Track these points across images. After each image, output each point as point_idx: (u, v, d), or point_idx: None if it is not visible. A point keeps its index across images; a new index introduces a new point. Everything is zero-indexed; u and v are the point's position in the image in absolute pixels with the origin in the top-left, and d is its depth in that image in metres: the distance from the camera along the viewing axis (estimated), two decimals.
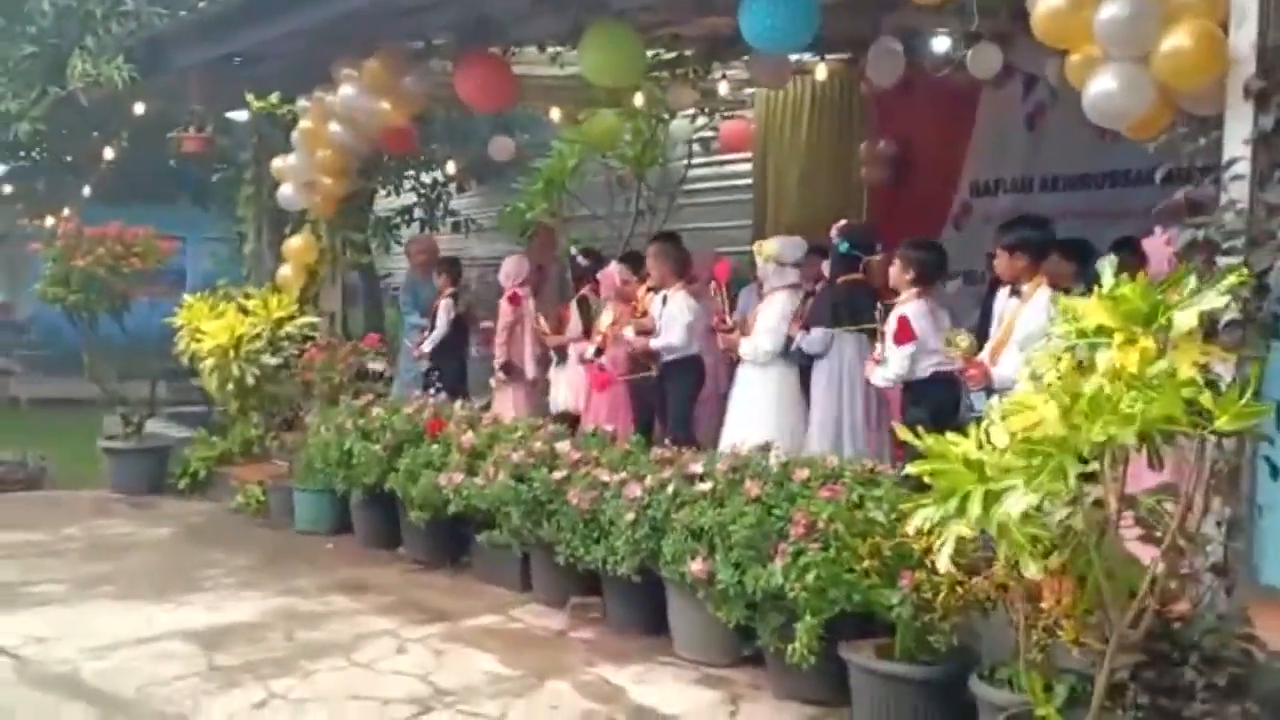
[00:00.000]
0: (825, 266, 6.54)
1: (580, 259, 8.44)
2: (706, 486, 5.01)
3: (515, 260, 8.93)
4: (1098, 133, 4.87)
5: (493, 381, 8.71)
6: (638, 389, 7.42)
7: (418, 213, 12.79)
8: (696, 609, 4.97)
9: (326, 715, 4.55)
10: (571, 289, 8.71)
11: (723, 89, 8.86)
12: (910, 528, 3.44)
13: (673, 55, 8.18)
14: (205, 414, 9.72)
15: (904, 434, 3.44)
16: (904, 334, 5.61)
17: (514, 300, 8.51)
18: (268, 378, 8.12)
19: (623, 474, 5.45)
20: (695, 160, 10.39)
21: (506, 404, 8.36)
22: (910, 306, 5.72)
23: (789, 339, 6.46)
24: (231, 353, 8.06)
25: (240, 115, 9.28)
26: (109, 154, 10.98)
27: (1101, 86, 4.00)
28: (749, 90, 9.48)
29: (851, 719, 4.40)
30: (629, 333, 7.23)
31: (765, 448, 5.22)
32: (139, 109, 9.55)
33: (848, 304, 6.20)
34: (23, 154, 11.87)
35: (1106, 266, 3.38)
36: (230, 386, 8.14)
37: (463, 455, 6.37)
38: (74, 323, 9.34)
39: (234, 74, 8.70)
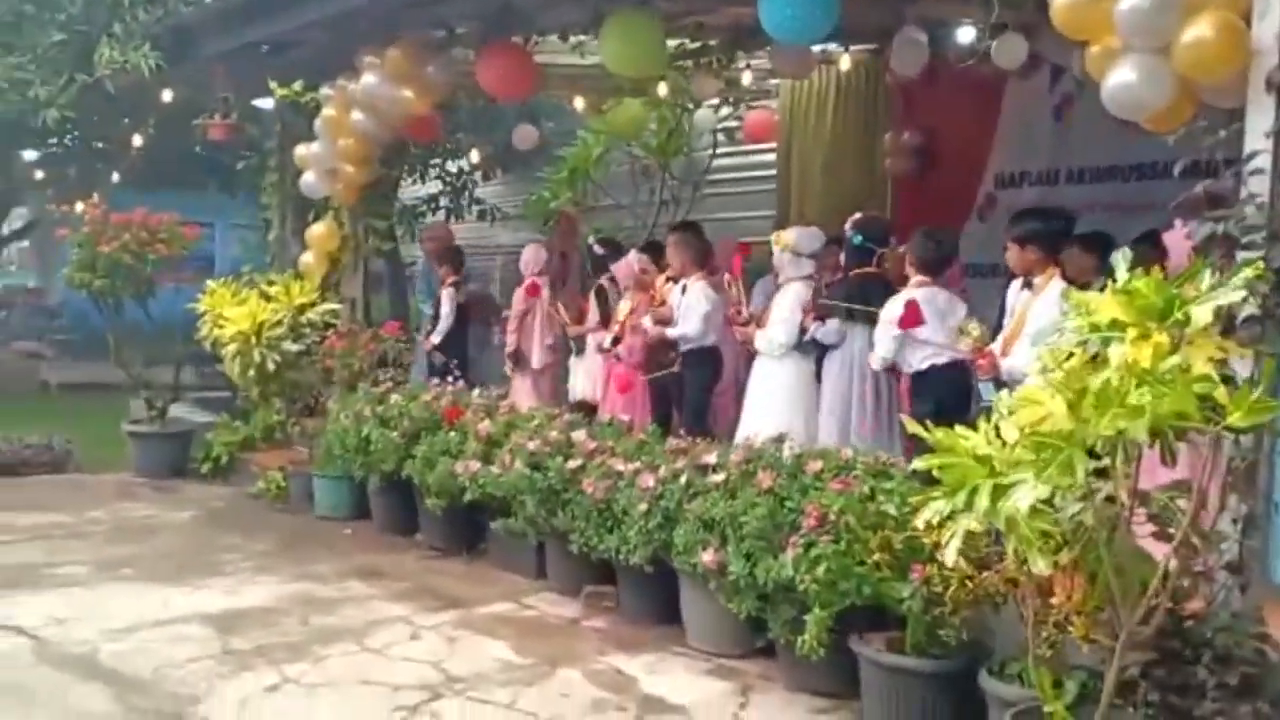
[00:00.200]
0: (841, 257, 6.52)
1: (597, 248, 8.44)
2: (719, 478, 5.00)
3: (534, 249, 8.95)
4: (1125, 125, 4.80)
5: (508, 369, 8.76)
6: (657, 382, 7.41)
7: (443, 201, 12.82)
8: (708, 600, 4.97)
9: (337, 700, 4.59)
10: (589, 278, 8.71)
11: (746, 79, 8.81)
12: (920, 521, 3.41)
13: (696, 45, 8.14)
14: (229, 399, 9.78)
15: (913, 427, 3.42)
16: (910, 317, 5.59)
17: (532, 291, 8.53)
18: (289, 364, 8.16)
19: (637, 464, 5.45)
20: (720, 150, 10.35)
21: (519, 392, 8.38)
22: (917, 293, 5.70)
23: (803, 330, 6.43)
24: (253, 339, 8.11)
25: (266, 103, 9.32)
26: (137, 141, 11.10)
27: (1121, 78, 3.94)
28: (774, 80, 9.44)
29: (861, 712, 4.38)
30: (646, 322, 7.22)
31: (779, 439, 5.21)
32: (166, 96, 9.62)
33: (860, 296, 6.16)
34: (53, 141, 11.96)
35: (1121, 260, 3.34)
36: (252, 372, 8.19)
37: (479, 443, 6.39)
38: (100, 308, 9.42)
39: (260, 62, 8.74)
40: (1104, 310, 3.23)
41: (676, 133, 10.17)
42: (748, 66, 8.64)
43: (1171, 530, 3.33)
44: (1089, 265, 5.62)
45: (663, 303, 7.30)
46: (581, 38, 7.55)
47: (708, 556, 4.82)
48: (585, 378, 8.21)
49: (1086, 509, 3.21)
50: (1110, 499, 3.25)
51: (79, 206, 9.71)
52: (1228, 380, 3.12)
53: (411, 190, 12.49)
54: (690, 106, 9.82)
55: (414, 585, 6.16)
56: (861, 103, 9.22)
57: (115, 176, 12.88)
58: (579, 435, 5.97)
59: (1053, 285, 5.18)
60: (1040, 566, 3.13)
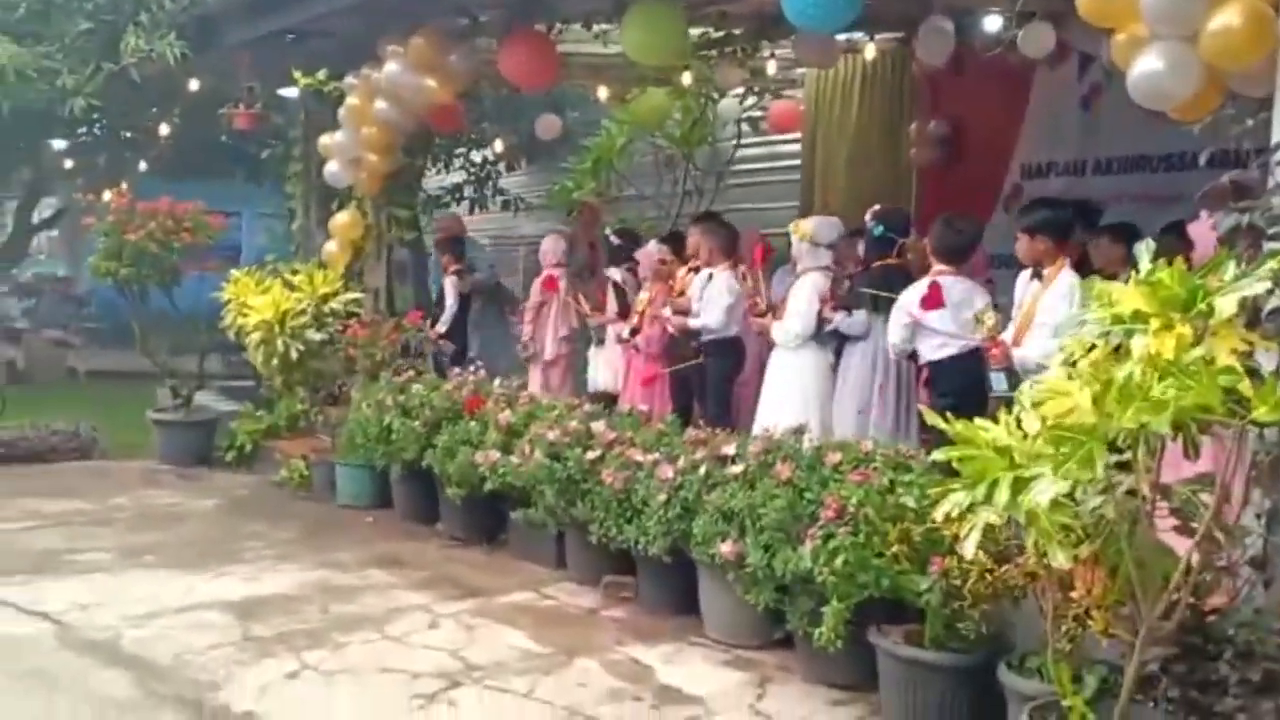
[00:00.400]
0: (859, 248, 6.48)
1: (613, 238, 8.43)
2: (738, 469, 4.99)
3: (553, 240, 8.96)
4: (1154, 115, 4.75)
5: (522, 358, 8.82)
6: (678, 374, 7.40)
7: (467, 191, 12.83)
8: (727, 591, 4.96)
9: (357, 687, 4.60)
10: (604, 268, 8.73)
11: (771, 68, 8.77)
12: (940, 514, 3.38)
13: (721, 34, 8.10)
14: (254, 388, 9.83)
15: (931, 418, 3.39)
16: (933, 298, 5.57)
17: (549, 284, 8.55)
18: (312, 353, 8.18)
19: (656, 455, 5.44)
20: (744, 140, 10.30)
21: (532, 383, 8.40)
22: (922, 282, 5.69)
23: (823, 321, 6.40)
24: (277, 327, 8.13)
25: (291, 92, 9.34)
26: (164, 130, 11.16)
27: (1147, 66, 3.88)
28: (799, 70, 9.38)
29: (879, 704, 4.36)
30: (666, 312, 7.21)
31: (798, 431, 5.18)
32: (192, 85, 9.66)
33: (884, 287, 6.12)
34: (81, 130, 12.04)
35: (1144, 251, 3.30)
36: (275, 361, 8.21)
37: (499, 433, 6.39)
38: (126, 297, 9.48)
39: (284, 51, 8.75)
40: (1127, 301, 3.18)
41: (700, 123, 10.14)
42: (772, 56, 8.60)
43: (1194, 524, 3.29)
44: (1118, 255, 5.58)
45: (681, 293, 7.28)
46: (605, 26, 7.53)
47: (726, 547, 4.80)
48: (606, 368, 8.21)
49: (1108, 502, 3.17)
50: (1132, 492, 3.21)
51: (106, 195, 9.78)
52: (1252, 373, 3.07)
53: (436, 180, 12.51)
54: (714, 96, 9.79)
55: (434, 574, 6.17)
56: (887, 92, 9.15)
57: (143, 165, 12.96)
58: (598, 426, 5.96)
59: (1062, 276, 5.19)
60: (1060, 560, 3.10)
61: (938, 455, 3.37)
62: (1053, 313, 5.17)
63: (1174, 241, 3.97)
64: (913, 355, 5.87)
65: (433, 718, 4.33)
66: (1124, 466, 3.15)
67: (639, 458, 5.50)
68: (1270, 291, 3.23)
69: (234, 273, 8.71)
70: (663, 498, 5.18)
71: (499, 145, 11.67)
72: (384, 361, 7.92)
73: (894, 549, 4.24)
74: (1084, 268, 6.13)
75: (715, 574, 5.01)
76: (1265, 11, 3.62)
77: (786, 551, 4.58)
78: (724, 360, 7.04)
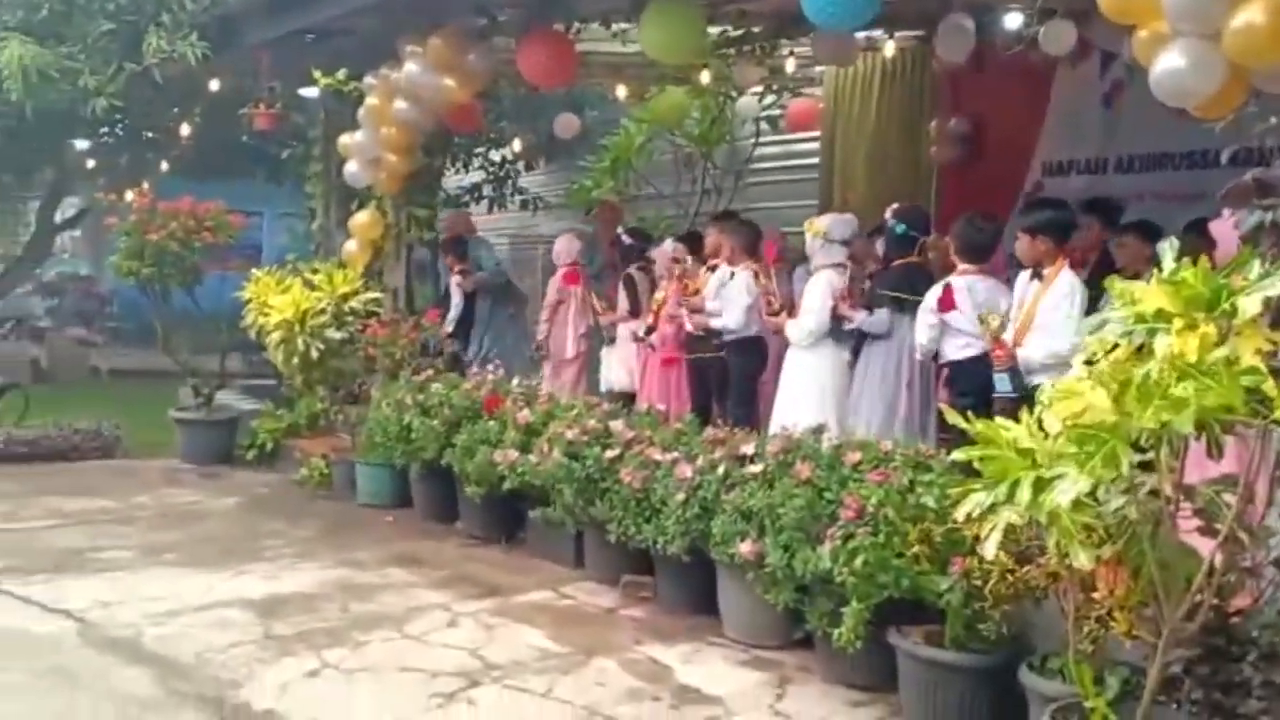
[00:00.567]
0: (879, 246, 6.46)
1: (626, 238, 8.43)
2: (757, 468, 4.97)
3: (567, 239, 8.97)
4: (1178, 112, 4.72)
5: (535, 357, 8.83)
6: (697, 370, 7.40)
7: (486, 190, 12.85)
8: (746, 590, 4.95)
9: (376, 686, 4.61)
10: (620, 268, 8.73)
11: (790, 66, 8.75)
12: (960, 514, 3.37)
13: (739, 32, 8.09)
14: (275, 387, 9.87)
15: (952, 417, 3.37)
16: (946, 300, 5.57)
17: (571, 279, 8.56)
18: (332, 352, 8.21)
19: (674, 454, 5.43)
20: (762, 139, 10.28)
21: (548, 382, 8.41)
22: (954, 280, 5.66)
23: (839, 319, 6.37)
24: (297, 327, 8.16)
25: (311, 92, 9.38)
26: (185, 130, 11.22)
27: (1169, 64, 3.85)
28: (818, 68, 9.35)
29: (899, 705, 4.34)
30: (682, 312, 7.21)
31: (818, 430, 5.17)
32: (213, 85, 9.71)
33: (907, 285, 6.10)
34: (103, 130, 12.11)
35: (1168, 250, 3.27)
36: (296, 360, 8.24)
37: (518, 432, 6.40)
38: (147, 296, 9.53)
39: (304, 51, 8.80)
40: (1150, 300, 3.16)
41: (719, 121, 10.14)
42: (791, 54, 8.58)
43: (1218, 525, 3.27)
44: (1145, 254, 5.55)
45: (696, 292, 7.28)
46: (623, 25, 7.53)
47: (745, 547, 4.80)
48: (619, 366, 8.22)
49: (1130, 503, 3.15)
50: (1155, 493, 3.20)
51: (128, 195, 9.83)
52: (1276, 373, 3.04)
53: (454, 179, 12.53)
54: (733, 95, 9.77)
55: (453, 573, 6.18)
56: (906, 90, 9.11)
57: (164, 165, 13.04)
58: (617, 425, 5.96)
59: (1062, 276, 5.23)
60: (1082, 561, 3.08)
61: (958, 455, 3.35)
62: (1053, 312, 5.19)
63: (1195, 240, 3.94)
64: (935, 355, 5.85)
65: (452, 716, 4.33)
66: (1146, 466, 3.13)
67: (658, 457, 5.50)
68: None
69: (255, 272, 8.75)
70: (681, 497, 5.17)
71: (517, 144, 11.68)
72: (403, 360, 7.94)
73: (914, 549, 4.22)
74: (1107, 266, 6.11)
75: (734, 574, 5.00)
76: None
77: (806, 551, 4.57)
78: (748, 360, 7.03)
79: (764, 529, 4.78)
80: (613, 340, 8.36)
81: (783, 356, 7.25)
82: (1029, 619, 4.05)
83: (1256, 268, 3.13)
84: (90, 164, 13.53)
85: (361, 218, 8.79)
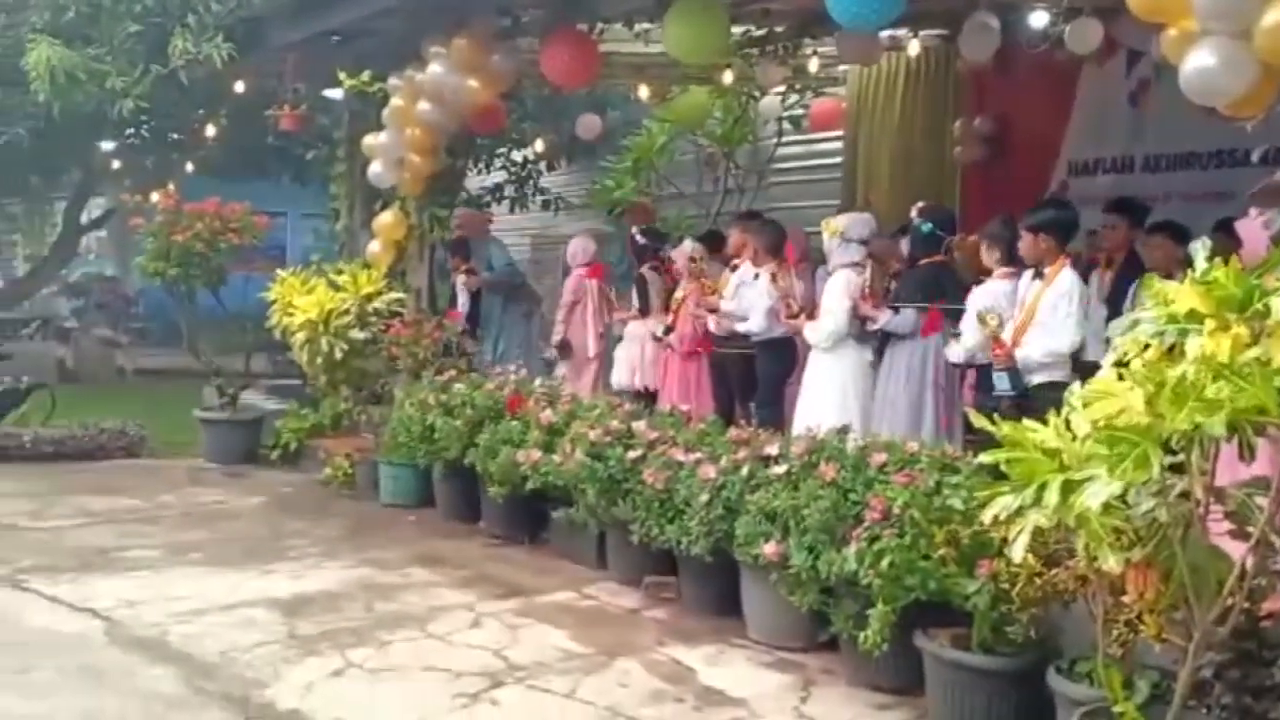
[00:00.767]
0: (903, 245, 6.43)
1: (639, 237, 8.44)
2: (781, 469, 4.95)
3: (581, 240, 8.99)
4: (1206, 110, 4.68)
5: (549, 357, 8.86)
6: (719, 368, 7.38)
7: (508, 191, 12.87)
8: (770, 592, 4.91)
9: (400, 685, 4.61)
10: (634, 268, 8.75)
11: (813, 66, 8.73)
12: (987, 516, 3.34)
13: (762, 32, 8.08)
14: (299, 387, 9.91)
15: (978, 420, 3.35)
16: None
17: (594, 273, 8.58)
18: (355, 352, 8.24)
19: (698, 454, 5.42)
20: (785, 138, 10.26)
21: (572, 382, 8.42)
22: (989, 284, 5.63)
23: (861, 319, 6.34)
24: (321, 327, 8.19)
25: (336, 94, 9.42)
26: (211, 131, 11.28)
27: (1199, 62, 3.82)
28: (841, 67, 9.33)
29: (925, 709, 4.31)
30: (701, 312, 7.21)
31: (843, 431, 5.15)
32: (239, 87, 9.76)
33: (935, 285, 6.07)
34: (130, 132, 12.19)
35: (1200, 250, 3.24)
36: (320, 360, 8.28)
37: (541, 432, 6.40)
38: (173, 296, 9.59)
39: (329, 52, 8.82)
40: (1182, 301, 3.13)
41: (742, 121, 10.13)
42: (814, 53, 8.56)
43: (1249, 529, 3.23)
44: (1175, 255, 5.53)
45: (713, 291, 7.27)
46: (646, 25, 7.53)
47: (769, 548, 4.77)
48: (625, 365, 8.24)
49: (1161, 505, 3.12)
50: (1185, 495, 3.16)
51: (154, 196, 9.89)
52: None
53: (477, 180, 12.56)
54: (756, 94, 9.76)
55: (476, 573, 6.18)
56: (931, 89, 9.09)
57: (190, 167, 13.12)
58: (640, 425, 5.95)
59: (1063, 275, 5.24)
60: (1112, 564, 3.06)
61: (985, 457, 3.33)
62: (1053, 312, 5.17)
63: (1223, 239, 3.91)
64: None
65: (476, 716, 4.33)
66: (1177, 469, 3.10)
67: (681, 457, 5.48)
68: None
69: (279, 273, 8.79)
70: (705, 498, 5.15)
71: (540, 145, 11.70)
72: (426, 360, 7.96)
73: (941, 551, 4.19)
74: (1134, 266, 6.07)
75: (758, 575, 4.98)
76: None
77: (831, 553, 4.54)
78: (777, 360, 7.02)
79: (788, 530, 4.76)
80: (621, 338, 8.39)
81: (806, 358, 7.26)
82: (1057, 622, 4.01)
83: None
84: (116, 165, 13.62)
85: (385, 218, 8.81)
